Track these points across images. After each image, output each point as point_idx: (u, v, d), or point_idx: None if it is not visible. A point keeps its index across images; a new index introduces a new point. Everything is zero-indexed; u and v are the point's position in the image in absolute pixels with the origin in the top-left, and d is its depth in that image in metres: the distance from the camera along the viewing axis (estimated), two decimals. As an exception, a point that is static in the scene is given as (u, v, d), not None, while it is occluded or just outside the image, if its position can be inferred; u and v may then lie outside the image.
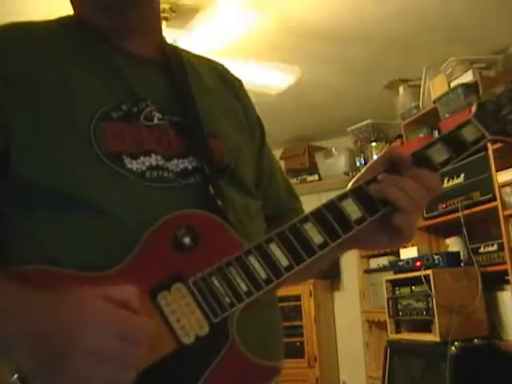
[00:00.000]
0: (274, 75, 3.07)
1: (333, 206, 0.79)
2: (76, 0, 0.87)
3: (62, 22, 0.88)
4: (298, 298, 4.36)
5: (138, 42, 0.87)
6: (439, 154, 0.84)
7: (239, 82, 1.03)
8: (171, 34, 2.77)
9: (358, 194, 0.80)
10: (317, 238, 0.77)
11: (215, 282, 0.72)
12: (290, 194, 1.05)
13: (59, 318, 0.61)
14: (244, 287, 0.72)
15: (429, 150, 0.84)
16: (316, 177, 4.73)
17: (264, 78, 3.00)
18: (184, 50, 1.00)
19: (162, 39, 0.94)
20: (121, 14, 0.84)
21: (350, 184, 0.84)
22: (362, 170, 0.86)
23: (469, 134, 0.85)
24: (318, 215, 0.78)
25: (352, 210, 0.79)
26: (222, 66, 1.03)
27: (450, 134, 0.86)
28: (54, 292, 0.64)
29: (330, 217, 0.78)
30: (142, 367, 0.64)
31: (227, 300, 0.71)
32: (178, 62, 0.91)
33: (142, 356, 0.62)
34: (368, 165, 0.87)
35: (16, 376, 0.62)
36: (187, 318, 0.70)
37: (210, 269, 0.72)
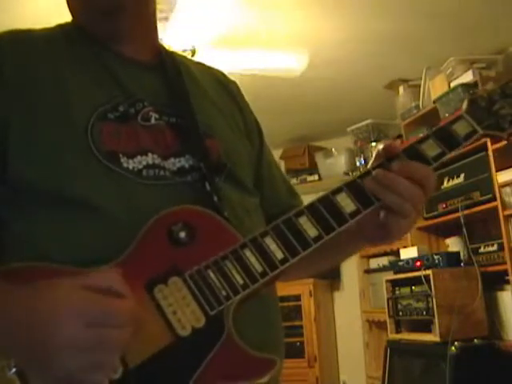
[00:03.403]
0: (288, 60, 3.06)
1: (327, 200, 0.80)
2: (73, 7, 0.89)
3: (61, 28, 0.90)
4: (298, 297, 4.36)
5: (134, 45, 0.89)
6: (431, 149, 0.84)
7: (236, 86, 1.04)
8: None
9: (352, 187, 0.81)
10: (311, 231, 0.78)
11: (211, 274, 0.72)
12: (291, 192, 1.06)
13: (36, 312, 0.62)
14: (240, 280, 0.73)
15: (421, 145, 0.84)
16: (316, 177, 4.73)
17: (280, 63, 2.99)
18: (181, 55, 1.02)
19: (157, 43, 0.96)
20: (116, 18, 0.85)
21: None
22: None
23: (460, 129, 0.86)
24: (312, 209, 0.79)
25: (346, 203, 0.80)
26: (219, 71, 1.04)
27: (442, 129, 0.86)
28: (32, 286, 0.64)
29: (325, 210, 0.79)
30: (135, 357, 0.65)
31: (223, 293, 0.72)
32: (173, 66, 0.93)
33: (121, 337, 0.62)
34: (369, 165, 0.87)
35: (14, 370, 0.63)
36: (183, 311, 0.70)
37: (205, 262, 0.73)
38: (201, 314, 0.71)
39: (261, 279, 0.74)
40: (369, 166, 0.86)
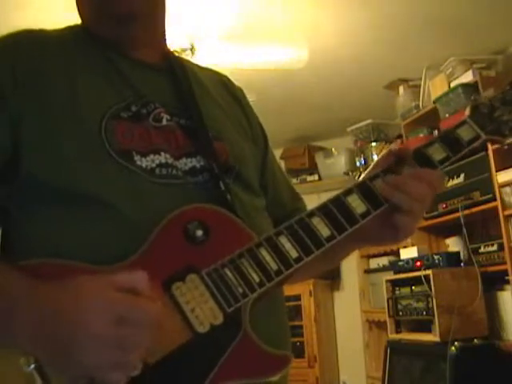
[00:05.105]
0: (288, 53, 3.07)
1: (339, 201, 0.82)
2: (84, 13, 0.90)
3: (72, 30, 0.90)
4: (298, 297, 4.36)
5: (143, 49, 0.89)
6: (438, 153, 0.88)
7: (241, 91, 1.05)
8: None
9: (362, 189, 0.84)
10: (324, 231, 0.80)
11: (228, 272, 0.74)
12: (293, 196, 1.08)
13: (64, 307, 0.63)
14: (256, 278, 0.74)
15: (428, 149, 0.88)
16: (316, 177, 4.73)
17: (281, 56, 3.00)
18: (188, 61, 1.03)
19: (166, 48, 0.97)
20: (127, 25, 0.86)
21: (361, 178, 0.88)
22: (370, 167, 0.90)
23: (465, 133, 0.90)
24: (324, 210, 0.81)
25: (357, 204, 0.83)
26: (225, 76, 1.05)
27: (447, 133, 0.90)
28: (59, 282, 0.65)
29: (336, 211, 0.81)
30: (155, 353, 0.66)
31: (240, 290, 0.73)
32: (181, 70, 0.94)
33: (145, 338, 0.63)
34: (375, 161, 0.90)
35: (33, 366, 0.64)
36: (201, 308, 0.72)
37: (222, 260, 0.74)
38: (218, 311, 0.72)
39: (276, 277, 0.76)
40: (373, 164, 0.88)
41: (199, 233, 0.75)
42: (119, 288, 0.64)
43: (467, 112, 0.92)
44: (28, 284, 0.67)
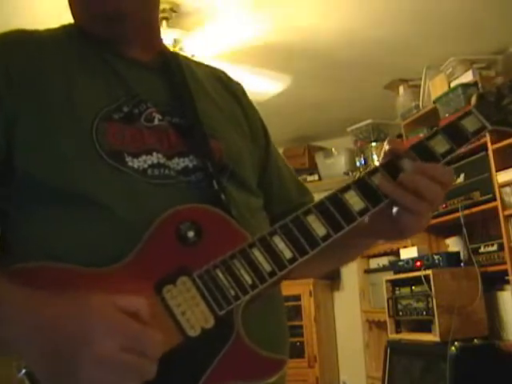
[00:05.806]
0: (264, 83, 3.08)
1: (335, 198, 0.79)
2: (76, 11, 0.89)
3: (65, 29, 0.90)
4: (297, 297, 4.35)
5: (137, 47, 0.89)
6: (440, 145, 0.83)
7: (240, 86, 1.03)
8: (171, 34, 2.77)
9: (361, 185, 0.80)
10: (320, 229, 0.77)
11: (220, 274, 0.72)
12: (300, 190, 1.05)
13: (69, 323, 0.62)
14: (248, 280, 0.73)
15: (430, 142, 0.84)
16: (316, 177, 4.73)
17: (254, 85, 3.00)
18: (184, 57, 1.02)
19: (161, 44, 0.96)
20: (118, 24, 0.85)
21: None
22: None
23: (469, 124, 0.85)
24: (320, 207, 0.78)
25: (355, 201, 0.79)
26: (222, 71, 1.04)
27: (451, 124, 0.86)
28: (63, 294, 0.64)
29: (333, 208, 0.78)
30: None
31: (232, 292, 0.72)
32: (176, 67, 0.93)
33: (150, 369, 0.62)
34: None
35: (24, 371, 0.63)
36: (192, 311, 0.70)
37: (214, 262, 0.73)
38: (210, 315, 0.71)
39: (269, 279, 0.74)
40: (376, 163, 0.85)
41: (191, 234, 0.73)
42: (123, 310, 0.63)
43: (473, 101, 0.87)
44: (27, 290, 0.65)
